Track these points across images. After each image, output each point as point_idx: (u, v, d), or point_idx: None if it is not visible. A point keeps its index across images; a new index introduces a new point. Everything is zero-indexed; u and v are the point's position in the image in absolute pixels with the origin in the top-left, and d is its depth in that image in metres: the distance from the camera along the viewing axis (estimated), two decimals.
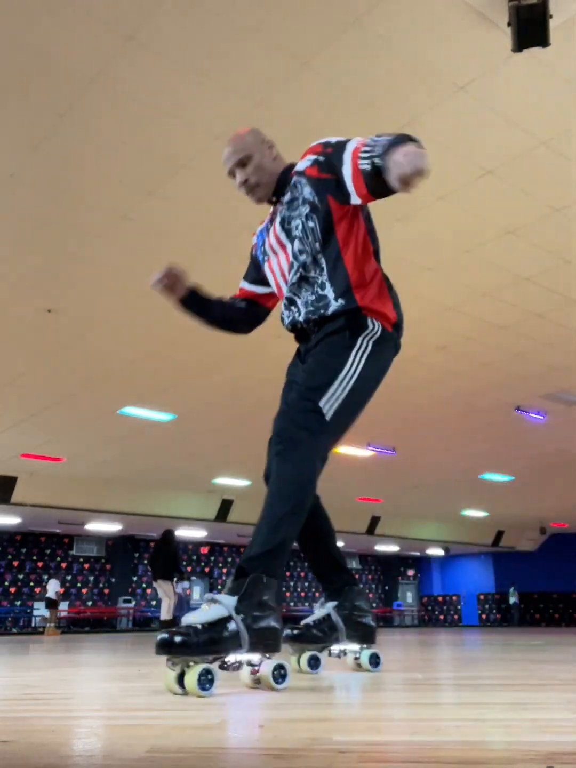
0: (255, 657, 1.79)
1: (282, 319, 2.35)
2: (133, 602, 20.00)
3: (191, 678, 1.68)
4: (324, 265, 2.14)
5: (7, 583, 18.73)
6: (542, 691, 1.85)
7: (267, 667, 1.78)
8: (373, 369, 2.10)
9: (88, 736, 1.21)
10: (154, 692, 1.99)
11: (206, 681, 1.69)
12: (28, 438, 10.96)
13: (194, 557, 21.73)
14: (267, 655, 1.80)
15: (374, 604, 25.64)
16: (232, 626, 1.72)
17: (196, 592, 21.36)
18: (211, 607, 1.75)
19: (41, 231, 5.24)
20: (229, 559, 22.36)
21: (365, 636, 2.37)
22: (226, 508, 15.94)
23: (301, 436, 1.95)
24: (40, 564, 19.38)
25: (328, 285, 2.13)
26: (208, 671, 1.70)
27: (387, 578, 25.99)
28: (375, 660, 2.42)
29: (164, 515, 15.60)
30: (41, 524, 17.63)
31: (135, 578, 20.60)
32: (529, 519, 19.33)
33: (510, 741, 1.08)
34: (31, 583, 19.10)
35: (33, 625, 18.67)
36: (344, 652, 2.42)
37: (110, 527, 17.79)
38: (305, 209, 2.15)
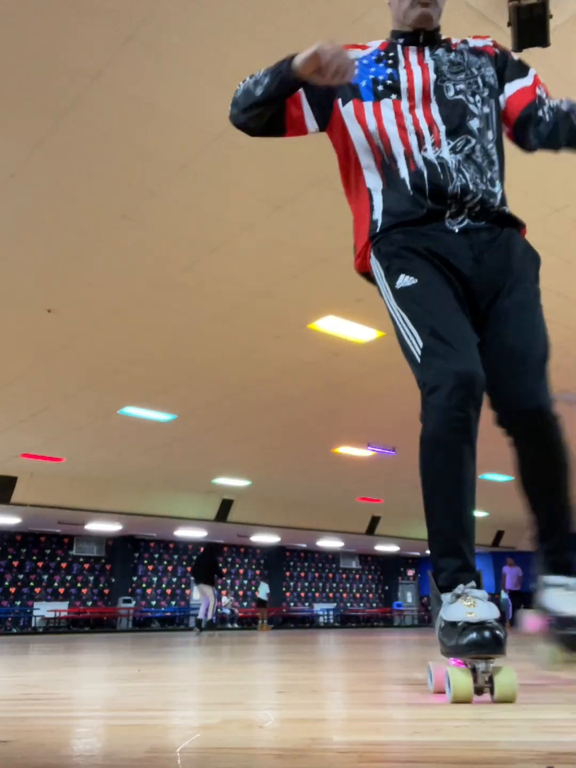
0: None
1: (437, 182, 1.83)
2: (133, 602, 20.00)
3: None
4: (496, 160, 1.94)
5: (7, 583, 18.72)
6: (542, 691, 1.85)
7: None
8: None
9: (88, 736, 1.21)
10: (154, 692, 1.99)
11: None
12: (28, 438, 10.96)
13: (194, 557, 21.72)
14: None
15: (374, 604, 25.67)
16: None
17: (196, 593, 21.35)
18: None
19: (41, 231, 5.24)
20: (229, 559, 22.36)
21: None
22: (226, 508, 15.95)
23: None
24: (40, 564, 19.37)
25: (497, 183, 1.92)
26: None
27: (387, 578, 26.00)
28: None
29: (164, 515, 15.61)
30: (41, 524, 17.63)
31: (135, 578, 20.60)
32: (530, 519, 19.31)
33: (510, 741, 1.08)
34: (31, 583, 19.10)
35: (33, 625, 18.68)
36: None
37: (110, 527, 17.80)
38: (486, 92, 1.95)
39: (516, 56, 2.06)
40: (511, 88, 2.00)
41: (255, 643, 7.29)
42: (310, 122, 1.99)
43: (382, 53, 1.99)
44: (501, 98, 2.00)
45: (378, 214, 1.89)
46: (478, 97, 1.93)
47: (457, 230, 1.84)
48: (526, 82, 2.00)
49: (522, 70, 2.02)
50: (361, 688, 2.03)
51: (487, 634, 1.49)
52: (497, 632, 1.50)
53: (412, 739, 1.11)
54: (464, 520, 1.68)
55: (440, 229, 1.84)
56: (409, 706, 1.54)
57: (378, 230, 1.88)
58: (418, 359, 1.73)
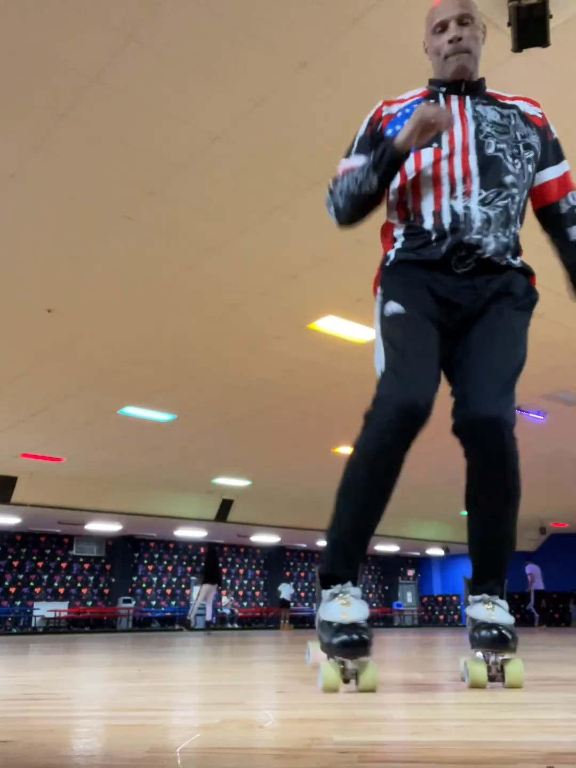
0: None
1: (456, 234, 1.91)
2: (133, 602, 20.00)
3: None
4: (523, 214, 2.04)
5: (7, 583, 18.72)
6: (542, 691, 1.85)
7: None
8: None
9: (88, 736, 1.21)
10: (154, 692, 1.99)
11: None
12: (28, 438, 10.96)
13: (194, 557, 21.73)
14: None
15: (374, 604, 25.64)
16: None
17: (196, 593, 21.36)
18: (495, 609, 1.89)
19: (41, 231, 5.24)
20: (229, 559, 22.36)
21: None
22: (226, 508, 15.95)
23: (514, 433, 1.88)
24: (40, 564, 19.37)
25: (516, 236, 2.01)
26: None
27: (387, 578, 25.99)
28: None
29: (164, 515, 15.61)
30: (41, 524, 17.63)
31: (135, 578, 20.60)
32: (529, 519, 19.33)
33: (510, 741, 1.08)
34: (31, 583, 19.10)
35: (33, 625, 18.67)
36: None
37: (110, 527, 17.80)
38: (529, 154, 2.02)
39: (555, 133, 2.13)
40: (549, 174, 2.08)
41: (261, 643, 7.29)
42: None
43: (423, 102, 2.03)
44: (538, 173, 2.08)
45: (393, 252, 2.02)
46: (517, 161, 1.99)
47: (460, 273, 1.93)
48: (559, 170, 2.10)
49: (558, 156, 2.11)
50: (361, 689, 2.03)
51: (355, 636, 1.67)
52: (364, 635, 1.68)
53: (412, 739, 1.11)
54: (362, 528, 1.84)
55: (445, 270, 1.93)
56: (409, 706, 1.54)
57: (388, 264, 2.02)
58: (378, 381, 1.89)
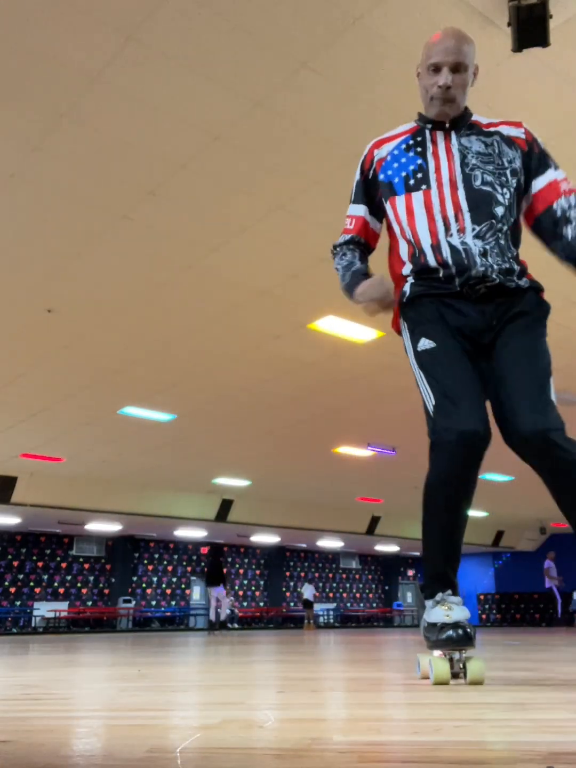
0: None
1: (461, 267, 2.01)
2: (133, 602, 19.99)
3: None
4: (518, 239, 2.14)
5: (7, 583, 18.72)
6: (542, 691, 1.85)
7: None
8: None
9: (88, 736, 1.21)
10: (154, 692, 1.99)
11: None
12: (28, 438, 10.96)
13: (194, 557, 21.73)
14: None
15: (374, 604, 25.64)
16: None
17: (196, 593, 21.37)
18: None
19: (41, 231, 5.24)
20: (229, 559, 22.36)
21: None
22: (226, 508, 15.95)
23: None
24: (40, 564, 19.37)
25: (517, 260, 2.09)
26: None
27: (387, 578, 25.99)
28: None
29: (164, 515, 15.61)
30: (41, 524, 17.63)
31: (135, 578, 20.60)
32: (529, 519, 19.34)
33: (510, 741, 1.08)
34: (31, 583, 19.09)
35: (33, 625, 18.67)
36: None
37: (110, 527, 17.80)
38: (514, 181, 2.10)
39: (541, 143, 2.19)
40: (540, 182, 2.15)
41: (263, 643, 7.29)
42: (377, 226, 2.29)
43: (411, 141, 2.16)
44: (528, 190, 2.16)
45: (407, 287, 2.14)
46: (505, 189, 2.07)
47: (474, 300, 2.04)
48: (547, 178, 2.16)
49: (546, 165, 2.17)
50: (361, 688, 2.03)
51: (460, 631, 1.86)
52: (467, 630, 1.86)
53: (412, 739, 1.11)
54: (451, 551, 2.03)
55: (459, 303, 2.04)
56: (409, 706, 1.55)
57: (406, 300, 2.13)
58: (431, 414, 2.01)
